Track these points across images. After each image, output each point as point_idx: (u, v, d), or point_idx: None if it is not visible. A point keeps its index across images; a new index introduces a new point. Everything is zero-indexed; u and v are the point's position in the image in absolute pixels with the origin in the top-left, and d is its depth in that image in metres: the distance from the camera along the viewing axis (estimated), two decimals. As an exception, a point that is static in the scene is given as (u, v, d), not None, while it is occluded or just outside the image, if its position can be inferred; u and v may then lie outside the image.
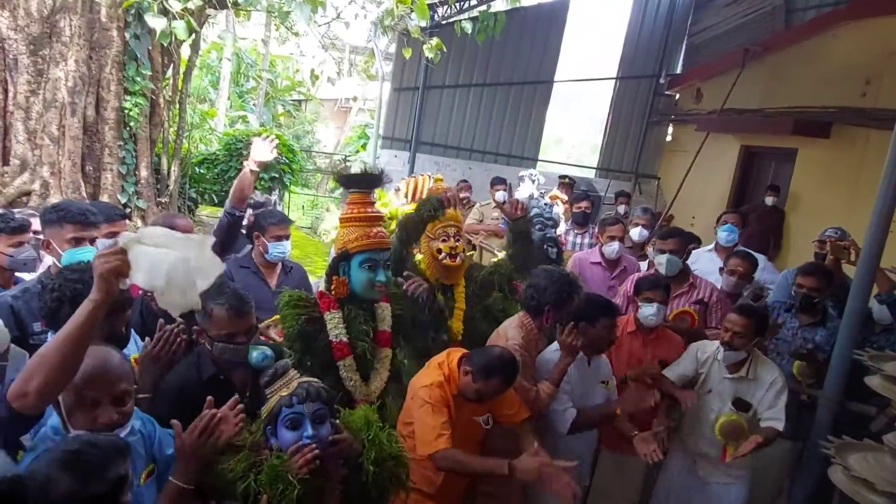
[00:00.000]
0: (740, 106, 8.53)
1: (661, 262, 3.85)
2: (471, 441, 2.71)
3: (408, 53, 7.71)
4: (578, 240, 5.49)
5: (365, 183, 2.69)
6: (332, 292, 2.58)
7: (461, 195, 7.22)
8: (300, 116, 20.25)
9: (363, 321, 2.62)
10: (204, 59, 16.53)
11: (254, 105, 16.96)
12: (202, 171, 10.08)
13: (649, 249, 4.52)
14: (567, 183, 7.43)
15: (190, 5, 5.25)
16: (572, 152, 11.46)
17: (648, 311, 3.32)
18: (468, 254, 4.54)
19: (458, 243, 3.15)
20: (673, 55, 10.88)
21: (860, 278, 3.06)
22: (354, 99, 20.01)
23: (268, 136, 3.16)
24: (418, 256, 3.25)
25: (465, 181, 7.56)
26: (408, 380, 2.78)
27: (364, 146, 14.94)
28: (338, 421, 2.01)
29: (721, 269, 4.09)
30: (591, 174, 11.22)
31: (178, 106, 8.68)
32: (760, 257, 4.25)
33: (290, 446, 1.84)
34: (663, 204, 9.85)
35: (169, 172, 8.66)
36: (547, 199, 4.73)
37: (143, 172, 7.85)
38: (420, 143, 10.58)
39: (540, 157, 11.10)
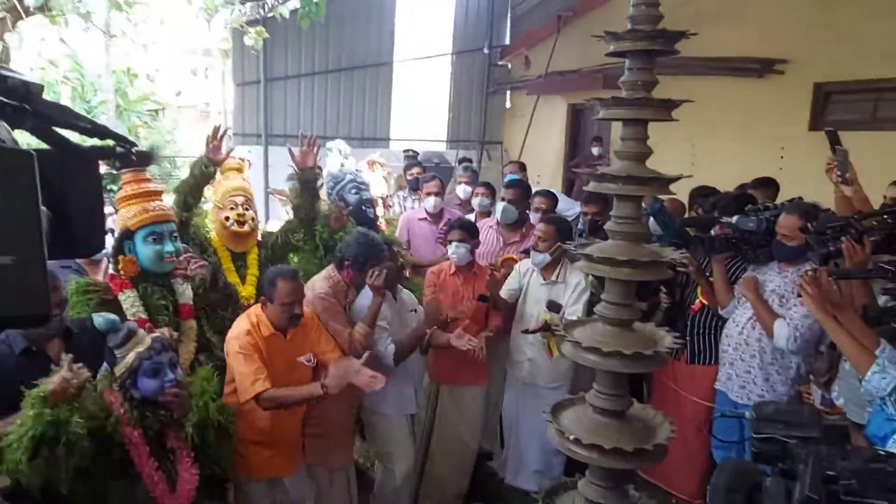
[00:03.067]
0: (562, 68, 9.26)
1: (497, 209, 4.27)
2: (300, 381, 2.85)
3: (228, 44, 7.70)
4: (415, 204, 5.83)
5: (136, 161, 2.78)
6: (121, 272, 2.65)
7: None
8: (158, 126, 19.23)
9: (160, 296, 2.71)
10: (42, 78, 15.29)
11: (106, 120, 15.89)
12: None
13: (475, 200, 4.94)
14: (410, 155, 7.81)
15: None
16: (426, 128, 11.84)
17: (451, 250, 3.70)
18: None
19: (246, 211, 3.28)
20: (500, 27, 11.52)
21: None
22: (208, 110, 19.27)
23: None
24: (211, 229, 3.35)
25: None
26: (219, 350, 2.88)
27: (232, 148, 14.48)
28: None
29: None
30: (442, 147, 11.69)
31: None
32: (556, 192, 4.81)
33: (154, 391, 2.13)
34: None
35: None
36: (357, 166, 5.04)
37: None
38: (273, 136, 10.54)
39: (392, 137, 11.42)
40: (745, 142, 6.49)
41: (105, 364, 2.22)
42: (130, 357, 2.15)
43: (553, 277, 3.68)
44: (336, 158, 5.12)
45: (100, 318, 2.23)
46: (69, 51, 11.21)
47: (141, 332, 2.22)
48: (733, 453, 3.20)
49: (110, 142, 1.01)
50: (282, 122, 10.56)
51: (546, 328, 3.42)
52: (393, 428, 3.39)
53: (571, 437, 2.08)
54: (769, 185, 4.25)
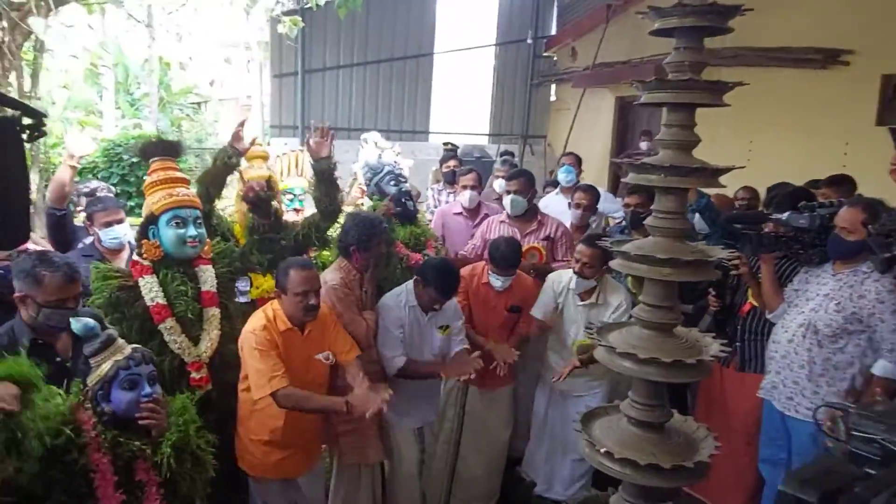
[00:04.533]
0: (611, 59, 8.96)
1: (507, 202, 4.10)
2: (317, 379, 2.79)
3: (266, 35, 7.67)
4: (451, 198, 5.69)
5: (163, 150, 2.76)
6: (144, 257, 2.63)
7: None
8: (200, 119, 19.58)
9: (181, 282, 2.66)
10: (87, 70, 15.73)
11: (149, 112, 16.23)
12: (79, 180, 9.69)
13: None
14: (449, 148, 7.66)
15: None
16: (467, 121, 11.68)
17: (496, 282, 3.51)
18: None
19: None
20: (546, 17, 11.28)
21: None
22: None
23: (83, 128, 3.22)
24: (233, 219, 3.32)
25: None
26: None
27: (269, 141, 14.61)
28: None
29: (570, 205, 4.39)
30: (484, 140, 11.51)
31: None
32: (601, 189, 4.58)
33: (128, 405, 1.96)
34: (555, 162, 10.23)
35: (28, 184, 8.27)
36: (394, 158, 4.91)
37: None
38: (309, 129, 10.56)
39: (432, 129, 11.29)
40: (806, 136, 6.12)
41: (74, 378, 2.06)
42: (106, 366, 1.99)
43: (592, 299, 3.47)
44: (371, 150, 5.03)
45: (78, 324, 2.14)
46: (104, 40, 11.35)
47: (121, 341, 2.07)
48: (781, 470, 2.97)
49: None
50: (319, 113, 10.57)
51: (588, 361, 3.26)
52: (394, 431, 3.29)
53: (602, 450, 1.90)
54: (843, 184, 3.80)
